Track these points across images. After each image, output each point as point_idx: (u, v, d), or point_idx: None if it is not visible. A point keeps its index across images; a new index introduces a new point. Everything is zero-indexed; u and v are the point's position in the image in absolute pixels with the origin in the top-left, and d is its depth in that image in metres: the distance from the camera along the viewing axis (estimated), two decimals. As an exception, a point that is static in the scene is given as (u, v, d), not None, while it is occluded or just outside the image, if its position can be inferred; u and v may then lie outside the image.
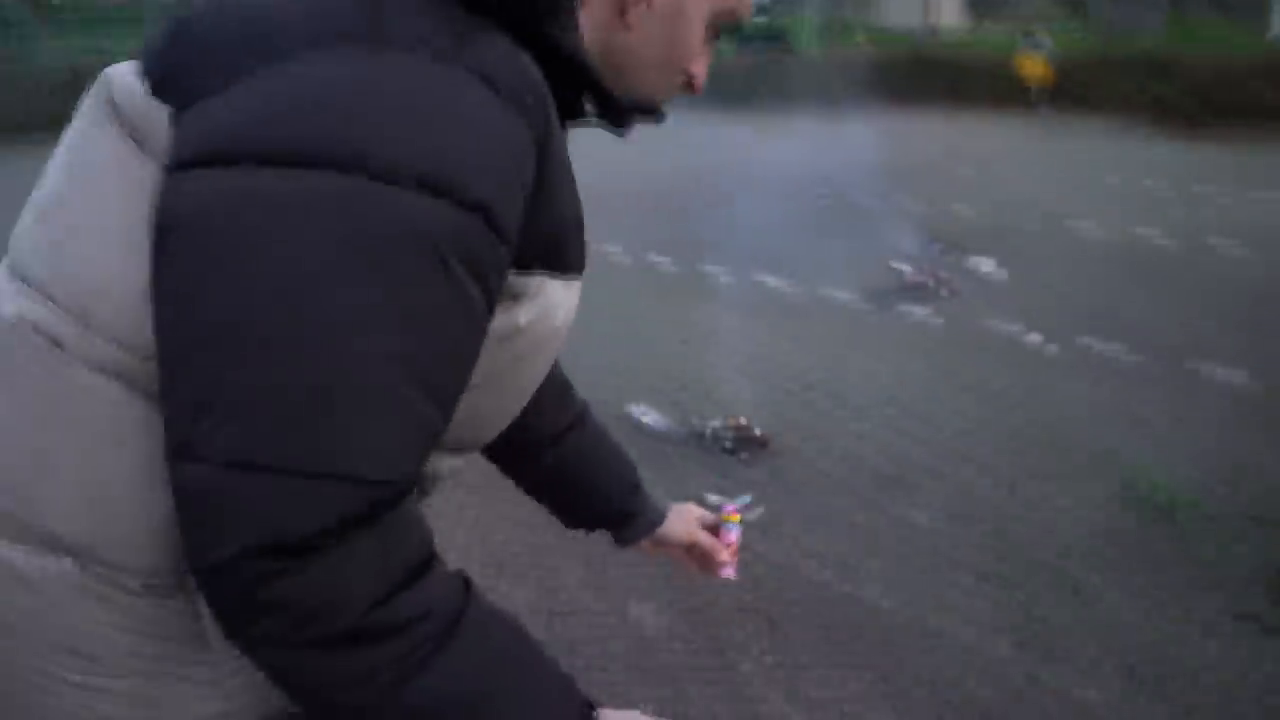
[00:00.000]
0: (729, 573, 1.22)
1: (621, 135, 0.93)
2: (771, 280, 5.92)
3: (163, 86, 0.73)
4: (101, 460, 0.73)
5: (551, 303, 0.82)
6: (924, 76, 17.58)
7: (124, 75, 0.76)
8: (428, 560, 0.73)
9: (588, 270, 0.87)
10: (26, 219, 0.78)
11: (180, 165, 0.69)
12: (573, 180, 0.81)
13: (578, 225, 0.83)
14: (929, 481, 3.29)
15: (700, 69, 0.91)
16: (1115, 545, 2.84)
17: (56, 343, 0.72)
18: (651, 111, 0.91)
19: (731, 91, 17.83)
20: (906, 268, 5.92)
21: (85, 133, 0.77)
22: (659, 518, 1.23)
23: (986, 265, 6.15)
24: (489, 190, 0.69)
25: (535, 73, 0.75)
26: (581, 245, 0.84)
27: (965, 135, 14.03)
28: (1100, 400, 3.99)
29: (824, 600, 2.57)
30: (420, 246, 0.67)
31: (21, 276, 0.75)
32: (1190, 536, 2.87)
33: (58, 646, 0.75)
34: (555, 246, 0.80)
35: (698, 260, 6.41)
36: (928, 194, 8.80)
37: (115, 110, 0.74)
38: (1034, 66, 16.28)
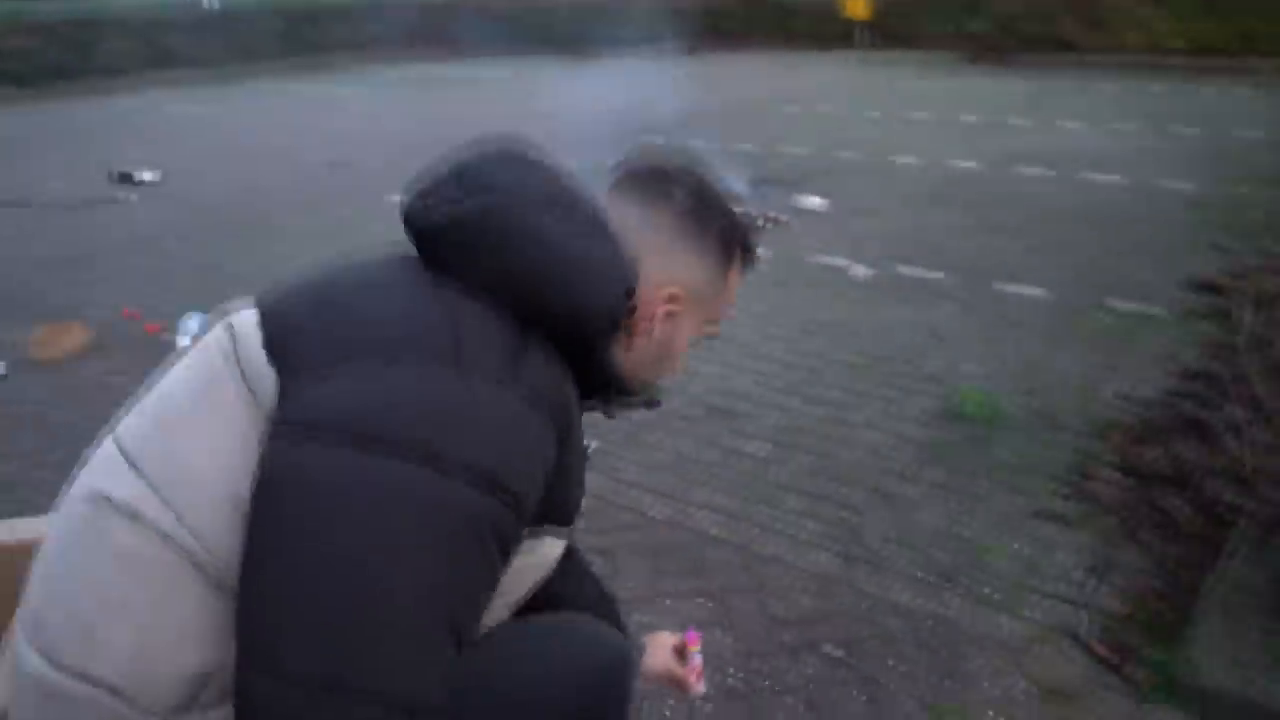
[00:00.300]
0: (700, 689, 1.53)
1: (611, 417, 1.23)
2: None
3: (276, 351, 0.92)
4: (159, 625, 0.89)
5: (546, 554, 1.09)
6: (751, 18, 17.82)
7: (248, 331, 0.95)
8: None
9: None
10: (144, 413, 0.97)
11: (288, 436, 0.87)
12: (583, 454, 1.08)
13: (579, 485, 1.10)
14: (758, 412, 3.40)
15: (681, 364, 1.21)
16: (931, 459, 3.01)
17: (154, 528, 0.89)
18: (651, 404, 1.23)
19: (563, 36, 17.65)
20: (737, 207, 6.03)
21: (211, 360, 0.95)
22: (640, 654, 1.46)
23: (813, 201, 6.34)
24: (525, 490, 0.91)
25: (568, 385, 1.01)
26: (580, 496, 1.11)
27: (792, 75, 14.33)
28: (919, 323, 4.20)
29: (656, 531, 2.64)
30: (469, 528, 0.87)
31: (129, 459, 0.93)
32: (998, 444, 3.07)
33: None
34: (562, 506, 1.06)
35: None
36: (757, 134, 8.96)
37: (237, 354, 0.93)
38: (856, 5, 16.72)
